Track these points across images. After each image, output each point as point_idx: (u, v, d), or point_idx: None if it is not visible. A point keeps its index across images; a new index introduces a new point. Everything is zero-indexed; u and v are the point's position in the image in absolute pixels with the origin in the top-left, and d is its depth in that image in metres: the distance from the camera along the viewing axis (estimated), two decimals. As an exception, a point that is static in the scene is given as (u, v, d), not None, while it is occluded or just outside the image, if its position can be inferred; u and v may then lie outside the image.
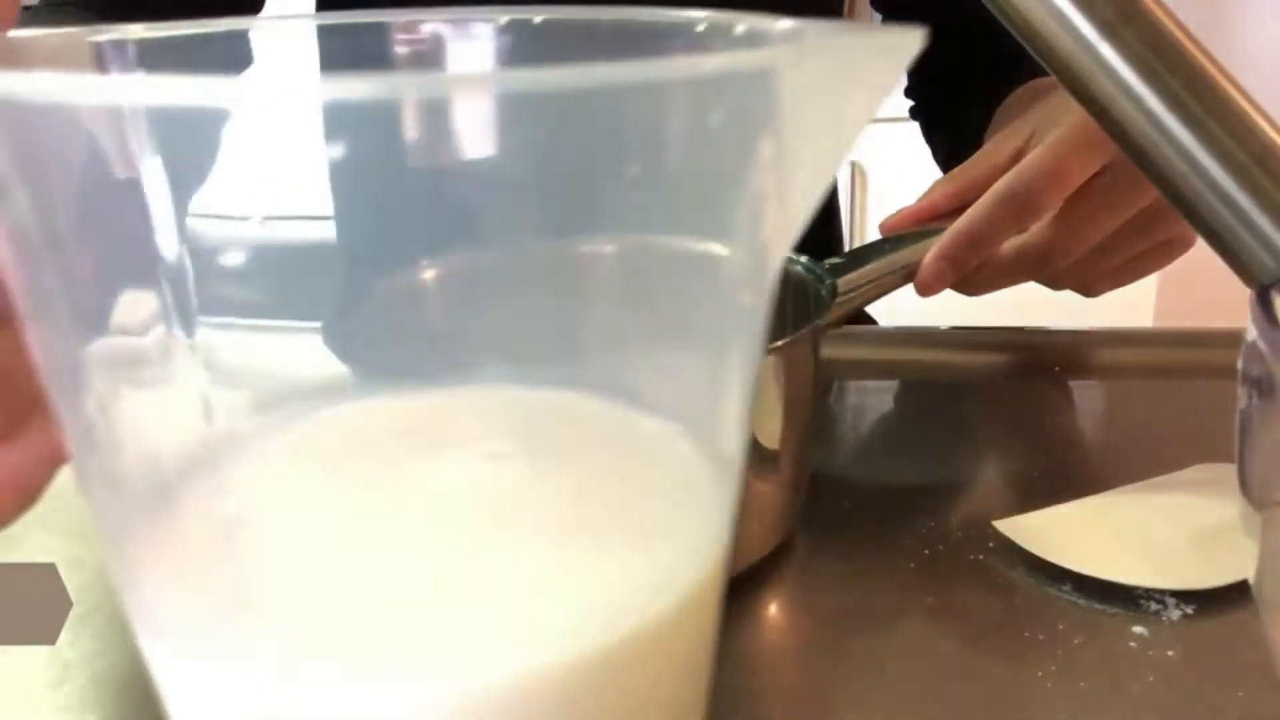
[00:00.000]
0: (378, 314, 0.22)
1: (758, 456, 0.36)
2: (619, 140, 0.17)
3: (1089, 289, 0.51)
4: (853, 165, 1.81)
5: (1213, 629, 0.34)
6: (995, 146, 0.51)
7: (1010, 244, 0.48)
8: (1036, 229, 0.47)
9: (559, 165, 0.17)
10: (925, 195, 0.52)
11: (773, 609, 0.37)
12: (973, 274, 0.49)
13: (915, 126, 1.47)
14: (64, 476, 0.50)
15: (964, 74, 0.71)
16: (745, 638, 0.35)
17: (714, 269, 0.19)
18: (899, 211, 0.51)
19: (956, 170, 0.52)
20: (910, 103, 0.79)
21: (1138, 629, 0.34)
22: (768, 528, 0.38)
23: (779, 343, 0.36)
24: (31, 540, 0.44)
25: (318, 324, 0.22)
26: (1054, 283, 0.51)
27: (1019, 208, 0.45)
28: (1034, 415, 0.52)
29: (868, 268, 0.47)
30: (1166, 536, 0.37)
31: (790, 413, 0.37)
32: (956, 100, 0.72)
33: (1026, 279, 0.50)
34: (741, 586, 0.38)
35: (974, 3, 0.70)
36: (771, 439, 0.37)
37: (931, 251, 0.48)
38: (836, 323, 0.47)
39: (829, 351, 0.58)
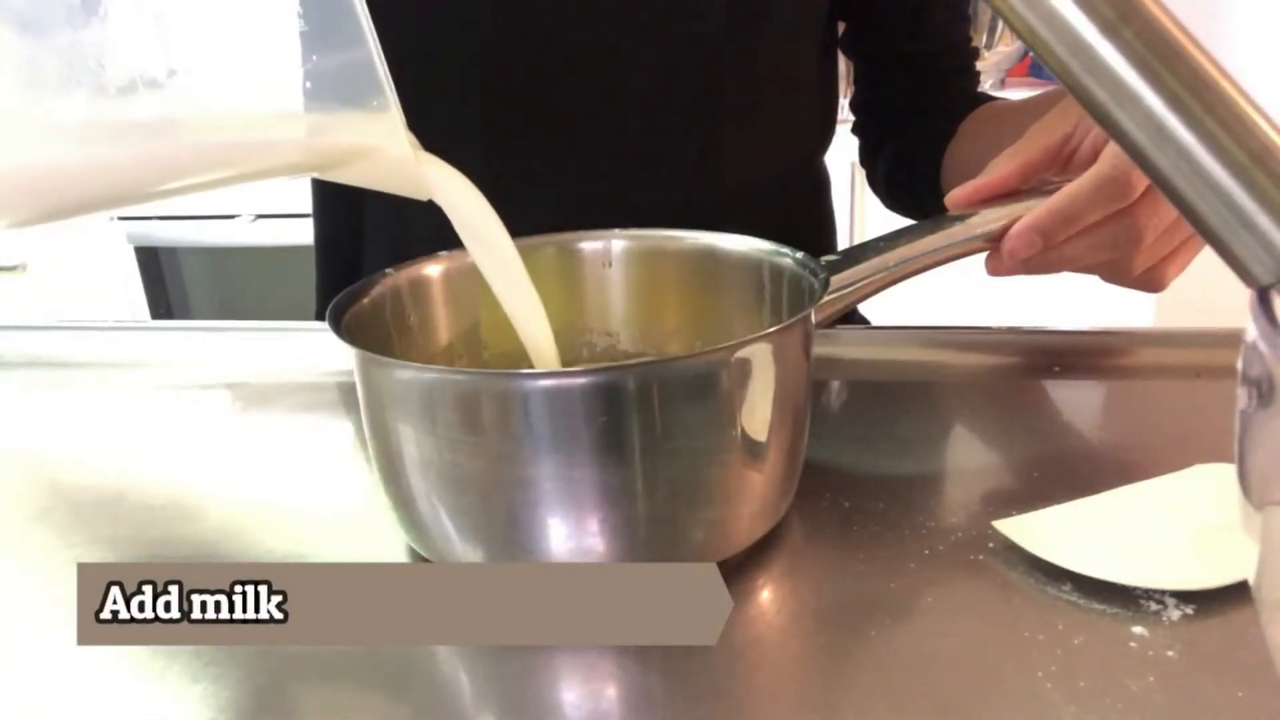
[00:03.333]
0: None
1: (747, 444, 0.37)
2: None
3: (1162, 273, 0.51)
4: (852, 165, 1.81)
5: (1213, 629, 0.34)
6: (1045, 128, 0.53)
7: (1104, 224, 0.49)
8: (1125, 210, 0.48)
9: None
10: (989, 171, 0.52)
11: (771, 608, 0.37)
12: (1054, 251, 0.49)
13: (915, 127, 1.45)
14: (67, 480, 0.51)
15: (918, 99, 0.72)
16: (741, 636, 0.35)
17: None
18: (965, 186, 0.52)
19: (1013, 149, 0.53)
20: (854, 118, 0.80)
21: (1138, 629, 0.34)
22: (756, 515, 0.38)
23: (770, 330, 0.36)
24: (34, 540, 0.44)
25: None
26: (1126, 274, 0.51)
27: (1118, 189, 0.46)
28: (1034, 415, 0.52)
29: (862, 265, 0.47)
30: (1166, 536, 0.37)
31: (780, 401, 0.37)
32: (909, 123, 0.73)
33: (1108, 258, 0.50)
34: (737, 582, 0.38)
35: (928, 34, 0.72)
36: (761, 427, 0.37)
37: (1023, 222, 0.48)
38: (830, 320, 0.47)
39: (831, 351, 0.59)
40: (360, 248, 0.73)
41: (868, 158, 0.79)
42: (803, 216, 0.77)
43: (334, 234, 0.75)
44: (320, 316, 0.77)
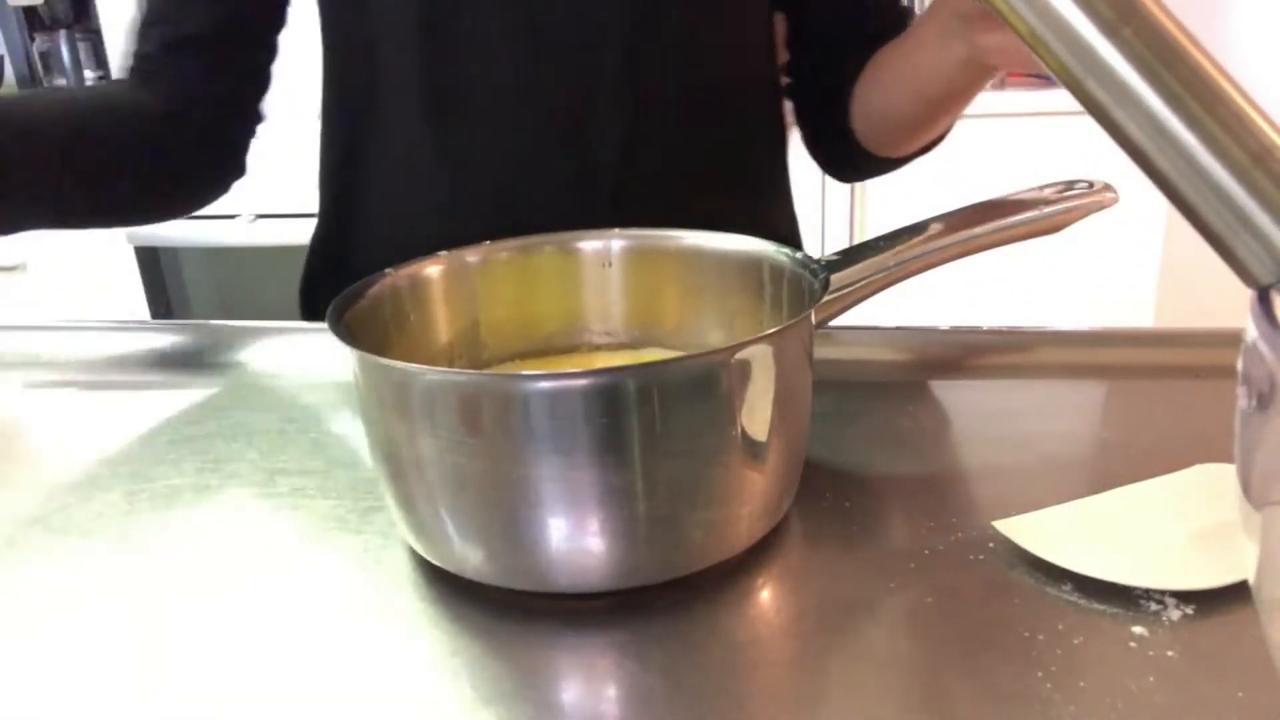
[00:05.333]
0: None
1: (747, 445, 0.37)
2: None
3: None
4: (852, 165, 1.81)
5: (1213, 629, 0.34)
6: None
7: None
8: None
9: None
10: None
11: (771, 608, 0.37)
12: None
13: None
14: (67, 480, 0.51)
15: (847, 59, 0.71)
16: (741, 636, 0.35)
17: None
18: None
19: None
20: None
21: (1138, 629, 0.34)
22: (756, 515, 0.38)
23: (770, 331, 0.36)
24: (32, 540, 0.44)
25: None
26: None
27: None
28: (1034, 415, 0.52)
29: (862, 265, 0.47)
30: (1166, 536, 0.37)
31: (781, 402, 0.37)
32: (823, 69, 0.73)
33: None
34: (738, 581, 0.38)
35: None
36: (761, 428, 0.37)
37: None
38: (832, 318, 0.47)
39: (831, 351, 0.59)
40: (352, 249, 0.73)
41: (799, 120, 0.78)
42: (762, 221, 0.76)
43: (332, 233, 0.75)
44: (305, 313, 0.77)
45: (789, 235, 0.78)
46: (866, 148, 0.71)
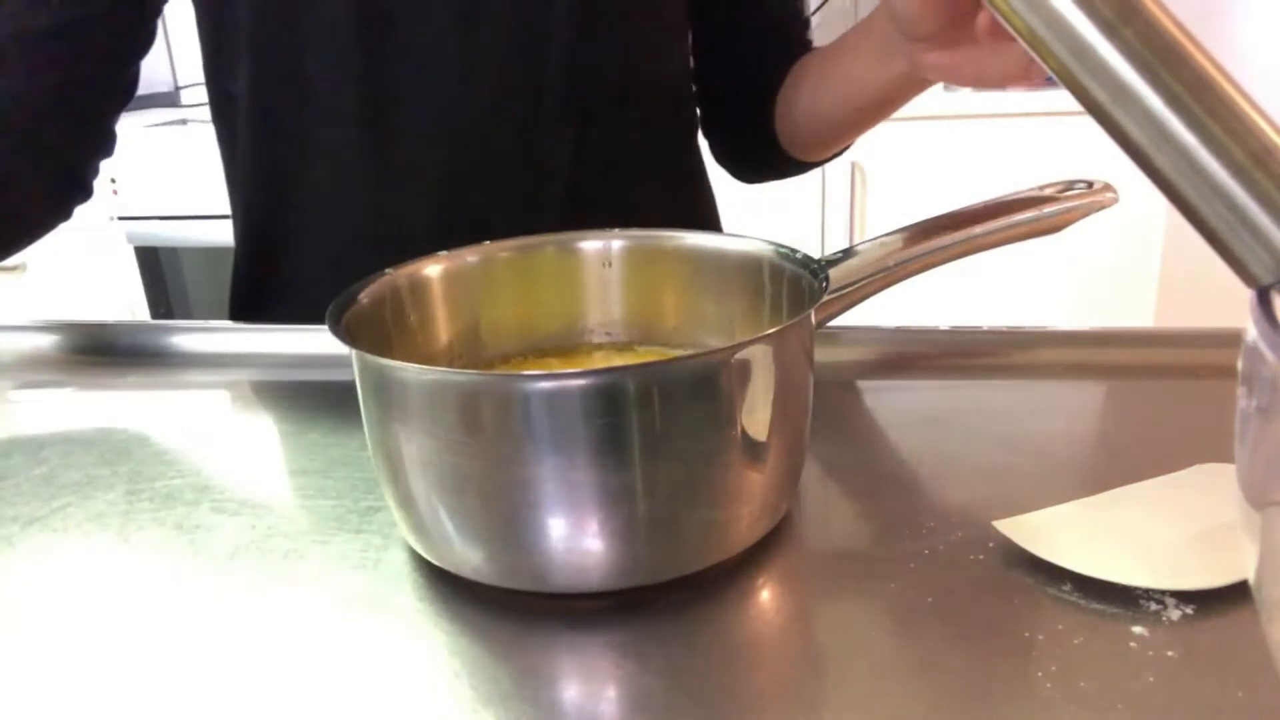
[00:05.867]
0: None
1: (747, 445, 0.37)
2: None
3: None
4: (852, 165, 1.81)
5: (1213, 629, 0.34)
6: None
7: None
8: None
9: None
10: None
11: (771, 608, 0.37)
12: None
13: (914, 126, 1.48)
14: (66, 480, 0.50)
15: (754, 70, 0.73)
16: (741, 636, 0.35)
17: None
18: None
19: None
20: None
21: (1138, 629, 0.34)
22: (756, 515, 0.38)
23: (770, 331, 0.36)
24: (32, 540, 0.44)
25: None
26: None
27: None
28: (1034, 415, 0.52)
29: (862, 265, 0.47)
30: (1166, 536, 0.37)
31: (781, 401, 0.37)
32: (747, 76, 0.73)
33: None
34: (738, 581, 0.38)
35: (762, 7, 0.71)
36: (762, 428, 0.37)
37: None
38: (832, 318, 0.47)
39: (831, 351, 0.59)
40: (285, 263, 0.72)
41: (708, 125, 0.79)
42: (704, 214, 0.78)
43: (258, 231, 0.73)
44: (234, 315, 0.76)
45: (718, 228, 0.80)
46: (788, 152, 0.72)
